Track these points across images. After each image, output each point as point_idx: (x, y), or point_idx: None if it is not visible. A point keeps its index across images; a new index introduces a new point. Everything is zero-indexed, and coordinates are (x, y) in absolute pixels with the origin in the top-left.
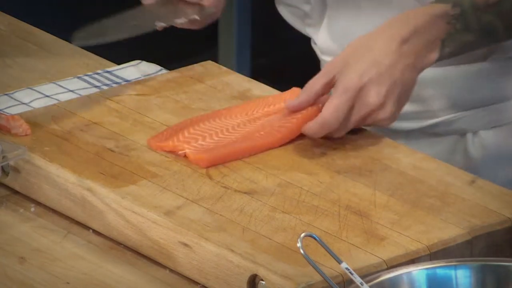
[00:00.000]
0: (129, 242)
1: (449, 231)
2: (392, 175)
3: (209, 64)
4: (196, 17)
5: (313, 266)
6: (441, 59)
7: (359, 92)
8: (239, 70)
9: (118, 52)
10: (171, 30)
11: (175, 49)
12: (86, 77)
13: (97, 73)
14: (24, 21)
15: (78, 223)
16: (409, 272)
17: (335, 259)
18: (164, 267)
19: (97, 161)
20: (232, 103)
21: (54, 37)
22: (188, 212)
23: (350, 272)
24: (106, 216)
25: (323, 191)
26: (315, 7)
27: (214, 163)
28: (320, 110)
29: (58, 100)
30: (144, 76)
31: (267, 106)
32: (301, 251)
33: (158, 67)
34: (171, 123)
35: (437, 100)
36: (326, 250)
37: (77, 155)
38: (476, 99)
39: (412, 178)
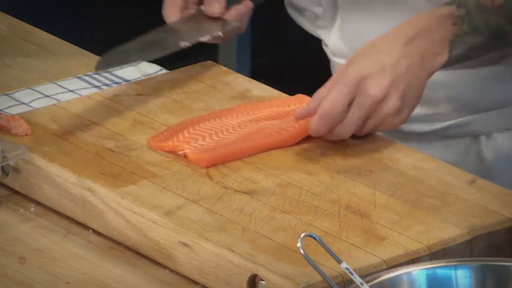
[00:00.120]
0: (129, 242)
1: (449, 231)
2: (392, 175)
3: (209, 64)
4: (220, 33)
5: (313, 266)
6: (452, 63)
7: (359, 85)
8: (239, 70)
9: None
10: None
11: None
12: (86, 77)
13: (97, 73)
14: (24, 21)
15: (78, 223)
16: (409, 272)
17: (335, 259)
18: (164, 267)
19: (97, 161)
20: (232, 103)
21: (54, 37)
22: (188, 212)
23: (350, 272)
24: (106, 216)
25: (323, 191)
26: (326, 9)
27: (214, 163)
28: None
29: (58, 100)
30: (144, 76)
31: (269, 107)
32: (301, 251)
33: (158, 67)
34: (171, 123)
35: (449, 103)
36: (326, 250)
37: (77, 155)
38: (489, 102)
39: (412, 178)
